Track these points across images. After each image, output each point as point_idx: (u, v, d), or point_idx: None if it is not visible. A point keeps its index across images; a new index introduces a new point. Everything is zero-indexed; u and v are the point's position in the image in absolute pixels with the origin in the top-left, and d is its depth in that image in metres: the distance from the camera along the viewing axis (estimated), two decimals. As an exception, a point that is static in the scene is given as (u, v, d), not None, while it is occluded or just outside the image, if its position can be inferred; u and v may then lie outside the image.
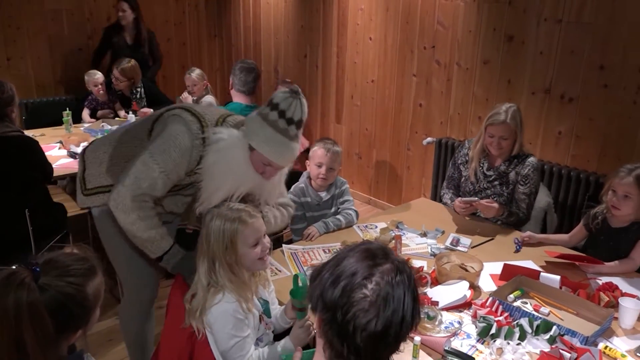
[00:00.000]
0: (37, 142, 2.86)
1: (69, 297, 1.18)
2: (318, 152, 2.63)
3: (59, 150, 3.70)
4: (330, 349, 1.03)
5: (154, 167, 1.82)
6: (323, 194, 2.69)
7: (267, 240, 1.75)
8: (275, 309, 1.88)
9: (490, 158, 2.73)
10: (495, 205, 2.57)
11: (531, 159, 2.64)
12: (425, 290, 2.02)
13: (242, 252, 1.67)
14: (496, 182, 2.71)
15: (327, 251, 2.35)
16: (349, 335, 0.97)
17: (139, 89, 4.64)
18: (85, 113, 4.61)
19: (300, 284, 1.66)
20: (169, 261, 1.92)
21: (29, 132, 4.09)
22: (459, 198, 2.71)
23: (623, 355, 1.67)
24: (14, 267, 1.15)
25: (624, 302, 1.84)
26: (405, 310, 0.99)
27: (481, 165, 2.74)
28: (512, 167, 2.67)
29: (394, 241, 2.36)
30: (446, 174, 2.96)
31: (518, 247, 2.41)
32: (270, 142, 1.82)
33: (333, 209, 2.70)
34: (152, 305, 2.33)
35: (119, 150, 2.03)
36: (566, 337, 1.69)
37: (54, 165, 3.07)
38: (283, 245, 2.41)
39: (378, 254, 1.04)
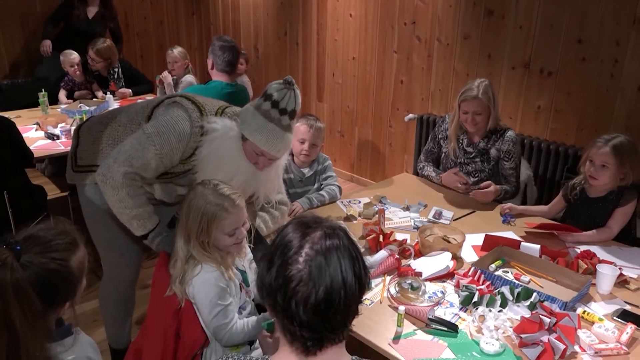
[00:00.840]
0: (13, 123, 2.81)
1: (53, 272, 1.17)
2: (301, 128, 2.62)
3: (36, 132, 3.63)
4: (286, 334, 0.99)
5: (150, 148, 1.81)
6: (306, 170, 2.70)
7: (245, 228, 1.75)
8: (254, 279, 1.90)
9: (469, 134, 2.75)
10: (492, 189, 2.56)
11: (509, 134, 2.68)
12: (409, 262, 2.05)
13: (216, 237, 1.68)
14: (477, 159, 2.75)
15: (312, 226, 2.35)
16: (294, 313, 0.94)
17: (116, 69, 4.56)
18: (62, 94, 4.51)
19: None
20: (153, 239, 1.91)
21: (4, 114, 4.02)
22: (454, 169, 2.72)
23: (600, 319, 1.72)
24: None
25: (601, 268, 1.89)
26: (344, 273, 0.95)
27: (460, 142, 2.77)
28: (491, 144, 2.70)
29: (377, 215, 2.38)
30: (424, 147, 2.98)
31: (505, 219, 2.45)
32: (262, 131, 1.82)
33: (316, 185, 2.71)
34: (133, 286, 2.33)
35: (115, 131, 2.00)
36: (546, 303, 1.73)
37: (31, 147, 3.02)
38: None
39: (309, 224, 1.01)
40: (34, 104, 4.20)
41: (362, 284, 0.99)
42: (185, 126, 1.85)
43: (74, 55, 4.50)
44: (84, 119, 2.21)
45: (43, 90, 4.20)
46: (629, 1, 2.95)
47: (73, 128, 2.21)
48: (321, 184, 2.71)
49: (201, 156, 1.88)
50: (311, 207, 2.54)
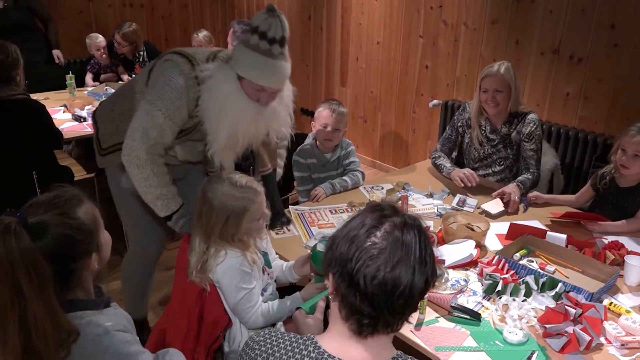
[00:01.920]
0: (44, 106, 2.86)
1: (63, 225, 1.19)
2: (323, 113, 2.61)
3: (64, 114, 3.69)
4: (345, 307, 1.00)
5: (158, 114, 1.81)
6: (329, 155, 2.69)
7: (266, 210, 1.76)
8: (275, 259, 1.92)
9: (491, 120, 2.70)
10: (516, 198, 2.42)
11: (531, 116, 2.62)
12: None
13: (246, 227, 1.69)
14: (500, 146, 2.70)
15: (334, 212, 2.36)
16: (359, 285, 0.95)
17: (141, 53, 4.59)
18: (89, 77, 4.58)
19: (318, 251, 1.67)
20: (177, 221, 1.94)
21: (33, 96, 4.08)
22: (466, 169, 2.64)
23: (627, 311, 1.69)
24: None
25: (629, 259, 1.85)
26: (415, 263, 0.96)
27: (483, 129, 2.71)
28: (513, 128, 2.65)
29: (400, 202, 2.37)
30: (442, 135, 2.92)
31: (525, 207, 2.41)
32: (256, 66, 1.77)
33: (339, 170, 2.71)
34: (156, 262, 2.37)
35: (123, 105, 2.04)
36: (571, 294, 1.71)
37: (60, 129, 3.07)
38: (290, 206, 2.43)
39: (386, 208, 1.03)
40: (61, 86, 4.26)
41: (428, 280, 1.00)
42: (179, 80, 1.83)
43: (100, 39, 4.54)
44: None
45: (70, 72, 4.26)
46: (666, -15, 2.85)
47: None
48: (344, 169, 2.71)
49: (204, 106, 1.86)
50: (334, 192, 2.54)
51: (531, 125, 2.60)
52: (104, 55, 4.56)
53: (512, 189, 2.44)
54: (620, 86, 3.14)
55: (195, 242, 1.71)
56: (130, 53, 4.56)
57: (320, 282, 1.71)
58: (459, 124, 2.81)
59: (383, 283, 0.95)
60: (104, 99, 3.72)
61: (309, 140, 2.72)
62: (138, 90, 1.99)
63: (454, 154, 2.91)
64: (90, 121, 3.45)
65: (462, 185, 2.56)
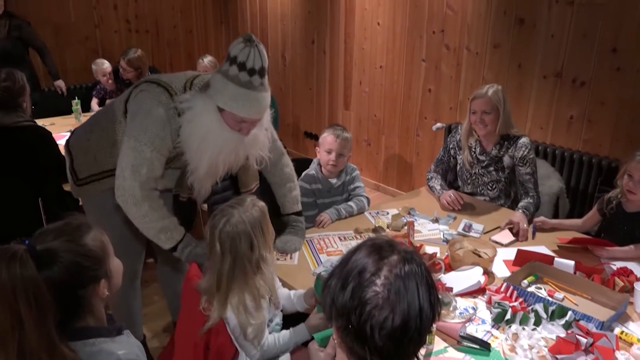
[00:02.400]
0: (50, 133, 2.87)
1: (71, 252, 1.20)
2: (327, 138, 2.62)
3: (69, 139, 3.70)
4: (353, 357, 0.97)
5: (144, 149, 1.80)
6: (333, 181, 2.69)
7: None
8: (278, 287, 1.90)
9: (481, 142, 2.72)
10: (525, 226, 2.40)
11: (523, 140, 2.65)
12: (439, 277, 2.02)
13: (268, 237, 1.69)
14: (491, 168, 2.71)
15: (343, 239, 2.35)
16: (367, 337, 0.92)
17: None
18: (94, 102, 4.62)
19: (321, 279, 1.66)
20: (183, 250, 1.93)
21: (39, 122, 4.10)
22: (452, 191, 2.67)
23: (639, 340, 1.66)
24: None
25: (639, 286, 1.83)
26: (421, 300, 0.93)
27: (473, 150, 2.73)
28: (504, 151, 2.67)
29: (406, 227, 2.36)
30: (436, 157, 2.95)
31: (534, 232, 2.40)
32: (237, 99, 1.76)
33: (344, 196, 2.70)
34: (132, 286, 2.32)
35: (100, 136, 2.03)
36: (582, 322, 1.69)
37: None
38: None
39: (384, 247, 0.99)
40: (67, 111, 4.30)
41: (435, 313, 0.98)
42: (160, 111, 1.82)
43: (106, 65, 4.59)
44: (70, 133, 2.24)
45: (76, 97, 4.30)
46: (666, 10, 2.87)
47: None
48: (349, 195, 2.70)
49: (184, 136, 1.85)
50: (339, 218, 2.53)
51: (523, 149, 2.62)
52: (109, 81, 4.60)
53: (519, 217, 2.44)
54: (623, 109, 3.15)
55: (223, 283, 1.63)
56: (135, 78, 4.60)
57: (322, 310, 1.69)
58: (450, 146, 2.85)
59: (392, 332, 0.92)
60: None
61: (313, 166, 2.72)
62: (115, 121, 1.99)
63: (450, 176, 2.93)
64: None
65: (451, 209, 2.61)
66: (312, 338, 1.41)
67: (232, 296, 1.63)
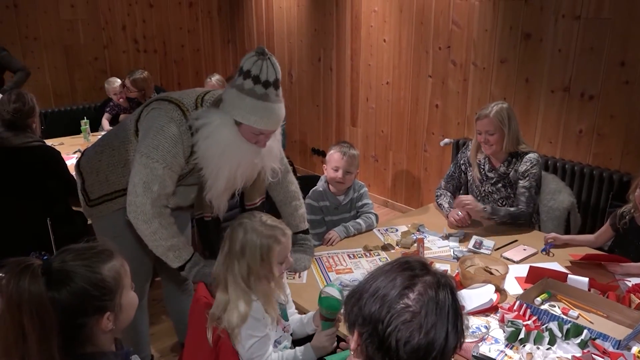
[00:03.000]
0: (59, 153, 2.89)
1: (83, 278, 1.17)
2: (334, 155, 2.61)
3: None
4: None
5: (156, 166, 1.80)
6: (341, 198, 2.67)
7: (290, 257, 1.75)
8: (293, 313, 1.88)
9: (490, 159, 2.70)
10: (470, 210, 2.53)
11: (530, 155, 2.63)
12: (450, 295, 1.99)
13: (272, 268, 1.68)
14: (499, 185, 2.69)
15: (352, 256, 2.33)
16: (391, 349, 0.92)
17: (153, 96, 4.66)
18: (105, 120, 4.64)
19: (325, 294, 1.65)
20: (190, 270, 1.92)
21: (48, 142, 4.13)
22: (460, 208, 2.61)
23: (657, 359, 1.62)
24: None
25: (656, 304, 1.79)
26: (449, 326, 0.93)
27: (482, 167, 2.72)
28: (512, 167, 2.65)
29: (415, 245, 2.33)
30: (447, 172, 2.93)
31: (546, 249, 2.36)
32: (255, 112, 1.77)
33: (352, 213, 2.68)
34: (141, 307, 2.29)
35: (111, 156, 2.04)
36: (598, 341, 1.65)
37: (74, 174, 3.09)
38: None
39: (416, 267, 1.00)
40: (76, 131, 4.34)
41: (459, 341, 0.97)
42: (172, 128, 1.83)
43: (117, 84, 4.63)
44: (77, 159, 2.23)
45: (85, 117, 4.33)
46: (674, 23, 2.86)
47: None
48: (357, 212, 2.69)
49: (201, 153, 1.85)
50: (348, 235, 2.51)
51: (527, 163, 2.60)
52: (121, 99, 4.63)
53: (470, 200, 2.52)
54: (633, 122, 3.12)
55: (231, 287, 1.65)
56: (142, 98, 4.63)
57: (327, 327, 1.67)
58: (461, 162, 2.84)
59: (416, 349, 0.91)
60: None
61: (320, 183, 2.71)
62: (126, 140, 2.00)
63: (461, 192, 2.91)
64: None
65: (459, 226, 2.60)
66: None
67: (240, 302, 1.63)
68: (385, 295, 0.95)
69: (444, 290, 0.96)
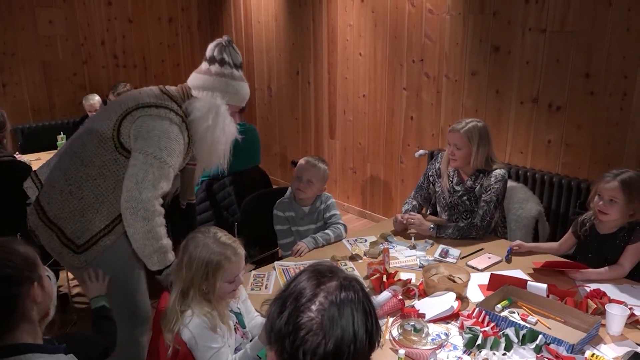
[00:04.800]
0: (30, 168, 2.88)
1: (3, 253, 1.27)
2: (299, 164, 2.66)
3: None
4: None
5: (164, 166, 1.88)
6: (307, 208, 2.70)
7: (241, 276, 1.76)
8: (254, 318, 1.90)
9: (459, 172, 2.74)
10: (415, 219, 2.64)
11: (497, 171, 2.63)
12: (412, 303, 2.02)
13: (218, 286, 1.69)
14: (465, 198, 2.72)
15: (318, 266, 2.34)
16: None
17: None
18: (80, 136, 4.64)
19: None
20: (168, 276, 1.92)
21: (25, 157, 4.13)
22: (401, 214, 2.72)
23: (610, 363, 1.66)
24: None
25: (610, 308, 1.83)
26: (355, 327, 0.93)
27: (451, 179, 2.76)
28: (478, 182, 2.68)
29: (382, 254, 2.36)
30: (417, 184, 2.97)
31: (507, 256, 2.40)
32: (240, 91, 2.11)
33: (318, 224, 2.71)
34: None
35: (95, 186, 1.93)
36: (552, 346, 1.68)
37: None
38: (275, 262, 2.41)
39: (324, 273, 0.99)
40: (53, 146, 4.33)
41: (373, 341, 0.97)
42: (175, 129, 1.95)
43: (95, 100, 4.63)
44: (30, 213, 2.07)
45: (62, 133, 4.33)
46: (634, 35, 2.95)
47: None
48: (325, 223, 2.71)
49: (199, 137, 2.05)
50: (316, 247, 2.53)
51: (492, 179, 2.62)
52: (96, 116, 4.63)
53: (417, 218, 2.64)
54: (599, 132, 3.19)
55: (173, 296, 1.69)
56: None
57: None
58: (430, 173, 2.87)
59: (325, 357, 0.91)
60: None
61: (287, 194, 2.75)
62: (108, 162, 1.93)
63: (430, 202, 2.96)
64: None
65: (402, 229, 2.69)
66: None
67: (188, 312, 1.66)
68: (291, 311, 0.94)
69: (346, 293, 0.95)
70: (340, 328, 0.92)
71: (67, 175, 1.97)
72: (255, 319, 1.91)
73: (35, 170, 2.19)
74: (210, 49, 2.07)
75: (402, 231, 2.69)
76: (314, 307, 0.94)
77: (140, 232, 1.84)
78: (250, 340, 1.82)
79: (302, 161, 2.65)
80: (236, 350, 1.74)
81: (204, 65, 2.10)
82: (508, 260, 2.39)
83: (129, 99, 2.02)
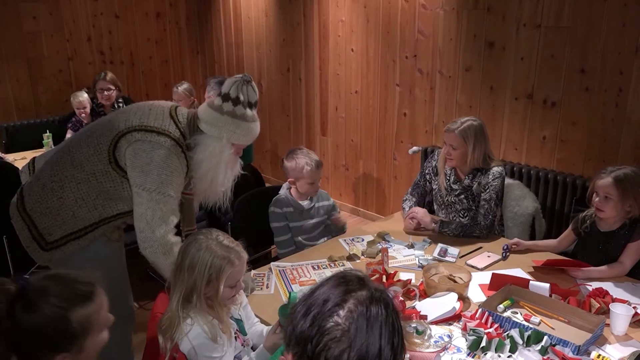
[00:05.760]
0: (16, 168, 2.80)
1: (46, 317, 1.16)
2: (310, 171, 2.62)
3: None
4: None
5: (168, 199, 1.89)
6: (305, 203, 2.67)
7: (242, 281, 1.72)
8: (254, 325, 1.85)
9: (456, 171, 2.71)
10: (419, 213, 2.62)
11: (494, 169, 2.61)
12: (413, 304, 1.98)
13: (221, 290, 1.63)
14: (462, 196, 2.69)
15: (317, 267, 2.30)
16: None
17: (120, 105, 4.57)
18: (69, 135, 4.53)
19: (284, 303, 1.62)
20: None
21: (9, 156, 4.04)
22: (411, 215, 2.68)
23: (616, 363, 1.63)
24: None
25: (614, 308, 1.81)
26: (382, 342, 0.89)
27: (448, 178, 2.72)
28: (475, 180, 2.65)
29: (380, 254, 2.32)
30: (414, 180, 2.94)
31: (504, 254, 2.37)
32: (248, 132, 2.04)
33: (316, 219, 2.68)
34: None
35: (78, 190, 1.92)
36: (558, 347, 1.65)
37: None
38: (271, 263, 2.36)
39: (353, 281, 0.95)
40: (39, 145, 4.23)
41: (397, 358, 0.93)
42: (174, 160, 1.92)
43: (84, 97, 4.51)
44: (14, 201, 2.03)
45: (47, 131, 4.23)
46: (630, 31, 2.93)
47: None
48: (328, 218, 2.76)
49: (200, 174, 2.02)
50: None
51: (490, 177, 2.60)
52: (83, 114, 4.53)
53: (421, 212, 2.62)
54: (594, 128, 3.18)
55: (174, 302, 1.62)
56: (114, 99, 4.49)
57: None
58: (426, 171, 2.84)
59: None
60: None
61: (283, 191, 2.71)
62: (97, 171, 1.91)
63: (427, 200, 2.92)
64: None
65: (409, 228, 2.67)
66: None
67: (189, 320, 1.60)
68: (317, 314, 0.91)
69: (377, 306, 0.92)
70: (366, 340, 0.88)
71: (53, 171, 1.97)
72: (255, 326, 1.86)
73: (34, 158, 2.23)
74: (227, 85, 1.98)
75: (416, 229, 2.65)
76: (342, 313, 0.90)
77: (166, 266, 1.85)
78: (252, 348, 1.76)
79: (310, 166, 2.62)
80: (235, 358, 1.68)
81: (217, 101, 1.98)
82: (505, 257, 2.36)
83: (136, 115, 1.96)
